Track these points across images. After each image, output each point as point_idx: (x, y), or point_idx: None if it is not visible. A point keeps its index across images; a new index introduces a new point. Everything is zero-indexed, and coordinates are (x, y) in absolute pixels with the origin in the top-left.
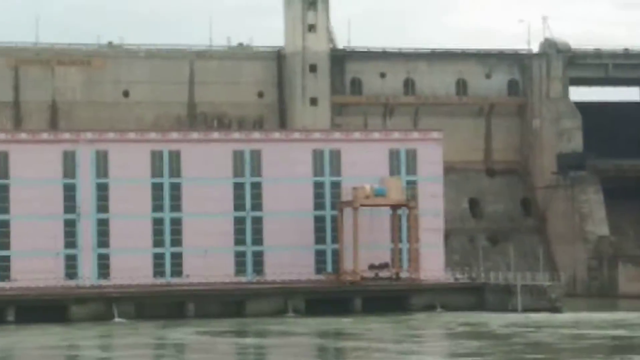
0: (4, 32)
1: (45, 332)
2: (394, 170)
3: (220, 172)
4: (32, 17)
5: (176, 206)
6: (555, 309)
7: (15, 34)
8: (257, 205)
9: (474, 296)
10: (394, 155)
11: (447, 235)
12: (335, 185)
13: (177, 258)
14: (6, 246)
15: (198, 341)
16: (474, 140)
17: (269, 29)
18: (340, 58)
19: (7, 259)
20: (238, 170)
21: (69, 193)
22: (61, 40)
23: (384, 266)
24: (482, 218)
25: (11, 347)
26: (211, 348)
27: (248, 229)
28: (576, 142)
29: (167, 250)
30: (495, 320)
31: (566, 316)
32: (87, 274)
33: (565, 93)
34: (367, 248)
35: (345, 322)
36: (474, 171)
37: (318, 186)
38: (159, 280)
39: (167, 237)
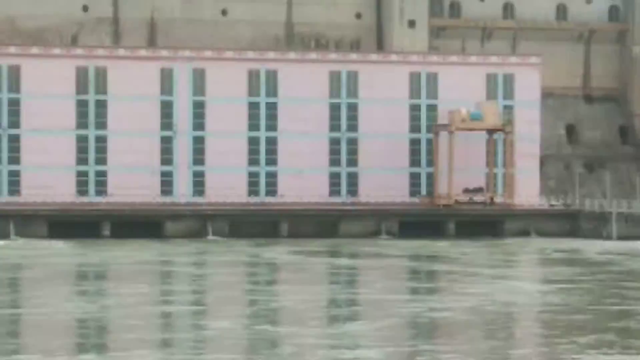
0: None
1: (141, 247)
2: (490, 95)
3: (316, 92)
4: None
5: (272, 125)
6: None
7: None
8: (352, 127)
9: (568, 223)
10: (491, 80)
11: (543, 161)
12: (432, 108)
13: (271, 177)
14: (103, 161)
15: (291, 260)
16: (573, 66)
17: None
18: None
19: (104, 174)
20: (334, 91)
21: (166, 110)
22: None
23: (478, 190)
24: (579, 144)
25: (107, 261)
26: (304, 268)
27: (343, 150)
28: None
29: (262, 169)
30: (590, 247)
31: None
32: (183, 191)
33: None
34: (462, 172)
35: (438, 246)
36: (572, 97)
37: (414, 109)
38: (253, 199)
39: (263, 157)
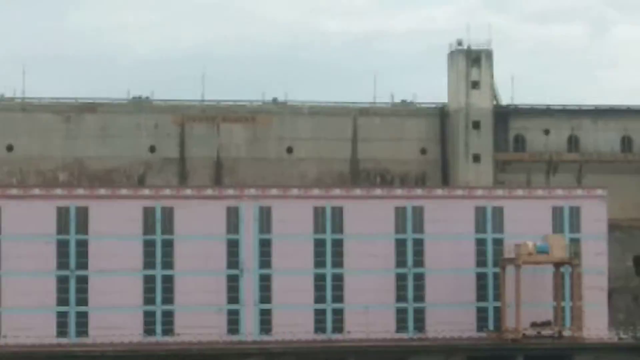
0: (171, 89)
1: None
2: (557, 228)
3: (382, 228)
4: (197, 74)
5: (338, 262)
6: None
7: (182, 92)
8: (418, 262)
9: (638, 356)
10: (557, 212)
11: (611, 294)
12: (498, 242)
13: (338, 314)
14: (170, 301)
15: None
16: (639, 197)
17: (432, 86)
18: (503, 115)
19: (171, 313)
20: (400, 227)
21: (232, 249)
22: (226, 97)
23: (546, 324)
24: None
25: None
26: None
27: (410, 285)
28: None
29: (329, 305)
30: None
31: None
32: (249, 329)
33: None
34: (529, 306)
35: None
36: (639, 229)
37: (480, 243)
38: (320, 336)
39: (329, 293)
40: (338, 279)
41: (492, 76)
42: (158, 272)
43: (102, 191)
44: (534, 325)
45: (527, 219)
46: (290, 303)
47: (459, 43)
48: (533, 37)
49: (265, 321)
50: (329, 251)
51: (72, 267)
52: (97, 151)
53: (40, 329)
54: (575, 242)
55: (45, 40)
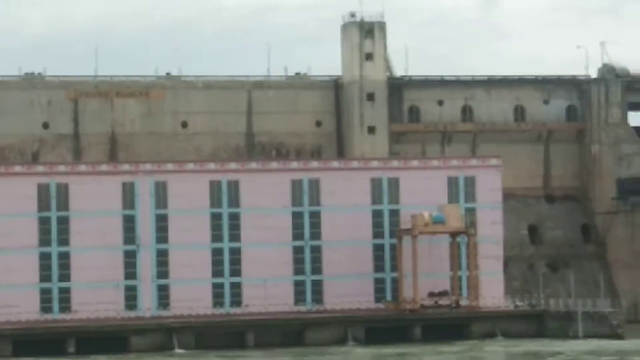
0: (63, 65)
1: None
2: (452, 198)
3: (278, 201)
4: (91, 50)
5: (235, 236)
6: (616, 336)
7: (75, 68)
8: (315, 234)
9: (534, 323)
10: (452, 183)
11: (507, 262)
12: (394, 213)
13: (236, 288)
14: (67, 278)
15: None
16: (533, 166)
17: (326, 58)
18: (397, 86)
19: (67, 290)
20: (296, 200)
21: (129, 224)
22: (120, 72)
23: (443, 294)
24: (542, 244)
25: None
26: None
27: (307, 258)
28: (636, 167)
29: (227, 280)
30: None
31: (628, 343)
32: (147, 305)
33: (624, 118)
34: (427, 276)
35: (408, 351)
36: (533, 198)
37: (376, 214)
38: (219, 311)
39: (227, 267)
40: (235, 253)
41: (385, 48)
42: (54, 249)
43: None
44: (431, 295)
45: (422, 190)
46: (188, 278)
47: (352, 15)
48: (426, 8)
49: (163, 296)
50: (225, 225)
51: None
52: None
53: None
54: (470, 211)
55: None
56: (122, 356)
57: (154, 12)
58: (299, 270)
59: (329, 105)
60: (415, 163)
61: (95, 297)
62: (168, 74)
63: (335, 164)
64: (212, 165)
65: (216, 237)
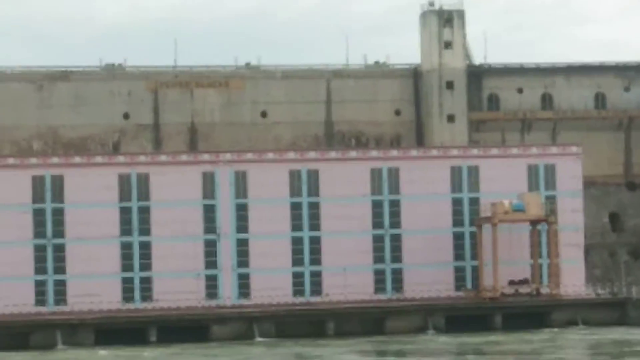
0: (143, 55)
1: (185, 352)
2: (532, 186)
3: (358, 190)
4: (170, 41)
5: (315, 225)
6: None
7: (155, 58)
8: (395, 223)
9: (616, 311)
10: (532, 171)
11: (588, 250)
12: (474, 202)
13: (316, 276)
14: (148, 267)
15: None
16: (614, 153)
17: (405, 46)
18: (477, 74)
19: (149, 280)
20: (376, 188)
21: (209, 214)
22: (199, 63)
23: (523, 282)
24: (623, 232)
25: None
26: None
27: (387, 247)
28: None
29: (307, 269)
30: None
31: None
32: (228, 294)
33: None
34: (507, 264)
35: (489, 339)
36: (614, 185)
37: (456, 203)
38: (299, 299)
39: (307, 256)
40: (315, 242)
41: (464, 36)
42: (135, 239)
43: (77, 159)
44: (511, 283)
45: (502, 178)
46: (268, 267)
47: (431, 3)
48: None
49: (244, 285)
50: (305, 214)
51: (49, 236)
52: (70, 119)
53: (18, 298)
54: (551, 199)
55: (12, 5)
56: (203, 345)
57: (230, 0)
58: (378, 258)
59: (408, 94)
60: (494, 151)
61: (176, 287)
62: (247, 64)
63: (414, 152)
64: (291, 155)
65: (296, 226)
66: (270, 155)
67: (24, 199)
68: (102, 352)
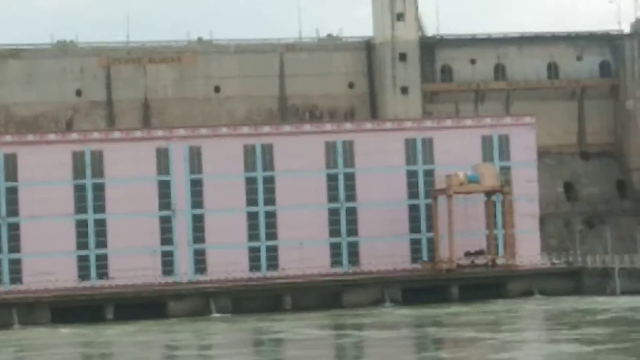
0: (95, 32)
1: (144, 329)
2: (487, 157)
3: (313, 164)
4: (122, 16)
5: (270, 199)
6: None
7: (107, 34)
8: (350, 196)
9: (571, 280)
10: (486, 142)
11: (543, 220)
12: (429, 174)
13: (272, 251)
14: (103, 245)
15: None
16: (567, 123)
17: (357, 19)
18: (429, 46)
19: (104, 257)
20: (331, 162)
21: (164, 190)
22: (151, 38)
23: (479, 253)
24: (578, 201)
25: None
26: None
27: (342, 220)
28: None
29: (263, 243)
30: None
31: None
32: (184, 270)
33: None
34: (462, 235)
35: (447, 311)
36: (568, 155)
37: (411, 175)
38: (255, 274)
39: (262, 231)
40: (271, 217)
41: (416, 7)
42: (90, 216)
43: (30, 137)
44: (467, 254)
45: (456, 149)
46: (224, 242)
47: None
48: None
49: (200, 261)
50: (260, 189)
51: (3, 215)
52: (23, 97)
53: None
54: (505, 170)
55: None
56: (160, 321)
57: None
58: (334, 232)
59: (361, 67)
60: (448, 123)
61: (132, 263)
62: (199, 38)
63: (368, 125)
64: (245, 129)
65: (251, 201)
66: (224, 130)
67: None
68: (63, 330)
